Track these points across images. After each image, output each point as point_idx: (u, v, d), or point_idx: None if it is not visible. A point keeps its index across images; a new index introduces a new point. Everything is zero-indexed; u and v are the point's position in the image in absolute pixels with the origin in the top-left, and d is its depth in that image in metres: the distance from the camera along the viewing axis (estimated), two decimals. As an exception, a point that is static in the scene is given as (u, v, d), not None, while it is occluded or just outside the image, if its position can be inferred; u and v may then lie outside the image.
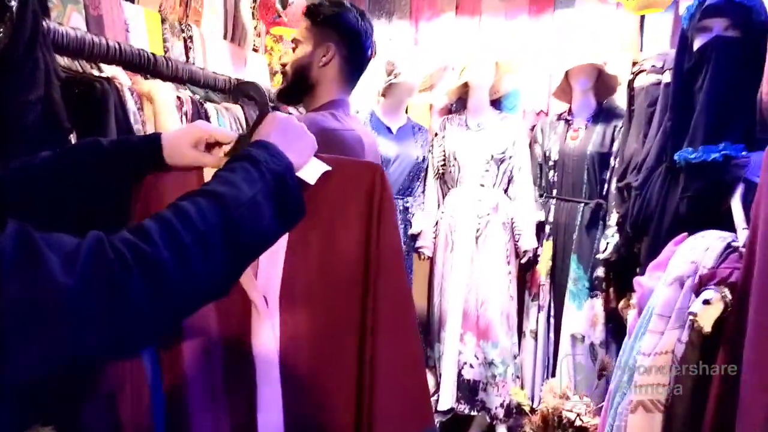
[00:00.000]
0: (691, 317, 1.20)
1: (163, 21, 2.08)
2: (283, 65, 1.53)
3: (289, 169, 0.79)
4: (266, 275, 0.91)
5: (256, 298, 0.90)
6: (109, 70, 1.53)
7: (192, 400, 0.92)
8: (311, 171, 0.87)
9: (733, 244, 1.29)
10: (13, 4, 1.09)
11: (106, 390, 0.88)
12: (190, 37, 2.23)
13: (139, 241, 0.61)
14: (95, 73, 1.46)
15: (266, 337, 0.89)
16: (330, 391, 0.91)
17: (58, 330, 0.55)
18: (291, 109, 2.18)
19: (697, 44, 1.69)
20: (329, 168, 0.89)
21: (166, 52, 2.09)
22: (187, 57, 2.21)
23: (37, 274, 0.54)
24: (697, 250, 1.34)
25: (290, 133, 0.86)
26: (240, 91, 1.12)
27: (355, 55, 1.48)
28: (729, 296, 1.17)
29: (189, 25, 2.24)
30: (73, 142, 1.30)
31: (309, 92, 1.48)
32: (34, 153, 1.20)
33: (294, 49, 1.48)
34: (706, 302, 1.17)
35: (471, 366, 2.77)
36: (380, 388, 0.88)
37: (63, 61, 1.38)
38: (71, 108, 1.29)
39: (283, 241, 0.90)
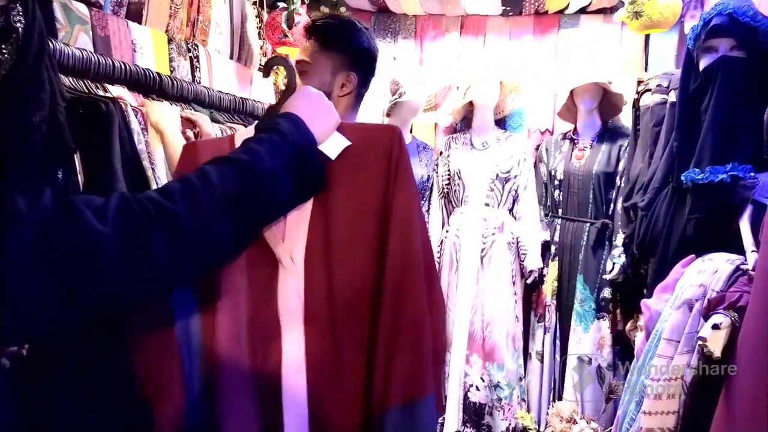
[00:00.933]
0: (700, 342, 1.18)
1: (169, 41, 2.10)
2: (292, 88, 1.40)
3: (311, 144, 0.85)
4: (293, 235, 0.97)
5: (283, 256, 0.96)
6: (115, 91, 1.54)
7: (221, 356, 0.98)
8: (333, 145, 0.94)
9: (742, 266, 1.27)
10: (19, 26, 1.10)
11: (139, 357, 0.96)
12: (197, 57, 2.25)
13: (163, 199, 0.70)
14: (101, 93, 1.47)
15: (292, 294, 0.95)
16: (347, 348, 0.95)
17: (95, 268, 0.63)
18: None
19: (702, 64, 1.68)
20: (350, 143, 0.95)
21: (172, 71, 2.10)
22: (193, 76, 2.23)
23: (77, 224, 0.63)
24: (706, 272, 1.32)
25: (317, 108, 0.91)
26: (270, 65, 1.15)
27: (368, 78, 1.38)
28: (738, 320, 1.14)
29: (195, 44, 2.26)
30: (77, 162, 1.30)
31: None
32: (38, 173, 1.20)
33: (302, 73, 1.30)
34: (716, 327, 1.15)
35: (477, 388, 2.73)
36: (379, 350, 0.93)
37: (68, 81, 1.38)
38: (76, 128, 1.29)
39: (308, 203, 0.95)
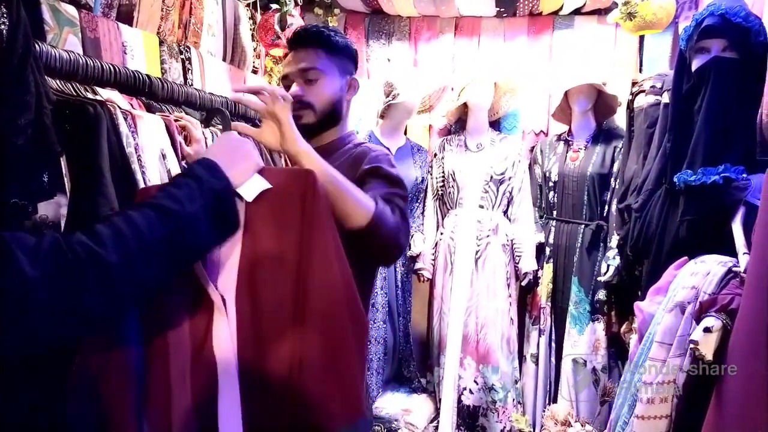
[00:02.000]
0: (692, 345, 1.17)
1: (161, 43, 2.09)
2: (299, 98, 1.32)
3: (226, 187, 0.91)
4: (225, 278, 1.01)
5: (216, 299, 0.99)
6: (105, 93, 1.52)
7: (162, 389, 1.01)
8: (251, 188, 0.97)
9: (734, 269, 1.26)
10: (3, 28, 1.09)
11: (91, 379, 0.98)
12: (189, 59, 2.24)
13: (93, 244, 0.73)
14: (89, 95, 1.46)
15: (224, 334, 0.99)
16: (278, 384, 0.98)
17: (23, 309, 0.67)
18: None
19: (695, 65, 1.68)
20: (269, 186, 0.99)
21: (164, 73, 2.09)
22: (185, 79, 2.21)
23: (7, 265, 0.66)
24: (698, 275, 1.31)
25: (235, 154, 0.96)
26: (210, 117, 1.23)
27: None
28: (730, 323, 1.13)
29: (188, 46, 2.25)
30: (63, 165, 1.29)
31: (332, 127, 1.39)
32: (24, 176, 1.18)
33: (310, 81, 1.33)
34: (707, 330, 1.14)
35: (471, 392, 2.72)
36: (307, 382, 0.96)
37: (56, 84, 1.37)
38: (63, 131, 1.28)
39: (237, 246, 1.00)
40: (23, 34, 1.16)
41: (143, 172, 1.49)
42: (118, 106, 1.46)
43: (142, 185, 1.45)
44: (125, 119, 1.46)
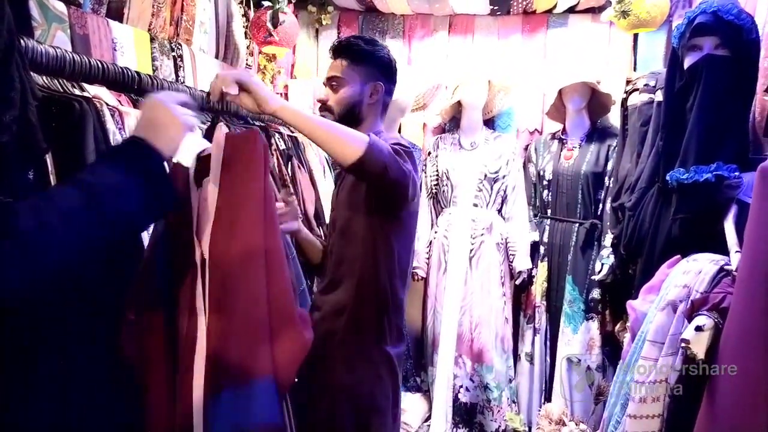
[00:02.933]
0: (683, 344, 1.16)
1: (152, 40, 2.07)
2: (323, 102, 1.55)
3: (154, 159, 0.92)
4: (203, 235, 1.12)
5: (197, 255, 1.11)
6: (93, 90, 1.51)
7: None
8: (187, 152, 1.01)
9: (726, 267, 1.25)
10: (-14, 23, 1.07)
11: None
12: (180, 56, 2.23)
13: (5, 214, 0.76)
14: (77, 92, 1.44)
15: (200, 287, 1.11)
16: (232, 333, 1.09)
17: None
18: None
19: (687, 63, 1.67)
20: (208, 145, 1.07)
21: (155, 70, 2.08)
22: (177, 76, 2.20)
23: None
24: (690, 273, 1.31)
25: (158, 123, 0.97)
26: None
27: (392, 87, 1.60)
28: (721, 322, 1.13)
29: (179, 44, 2.24)
30: (49, 162, 1.27)
31: (357, 124, 1.52)
32: (9, 173, 1.16)
33: (334, 88, 1.53)
34: (699, 329, 1.13)
35: (467, 389, 2.72)
36: (221, 335, 1.07)
37: (43, 80, 1.35)
38: (49, 127, 1.26)
39: (213, 204, 1.10)
40: (7, 30, 1.15)
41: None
42: (106, 103, 1.44)
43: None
44: (112, 116, 1.44)
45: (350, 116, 1.52)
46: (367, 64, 1.52)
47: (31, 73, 1.26)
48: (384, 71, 1.55)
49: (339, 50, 1.54)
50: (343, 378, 1.46)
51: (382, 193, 1.39)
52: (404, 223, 1.51)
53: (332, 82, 1.54)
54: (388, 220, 1.46)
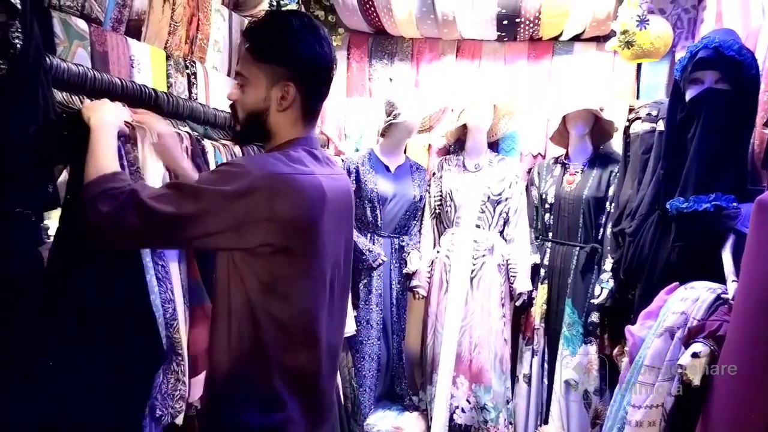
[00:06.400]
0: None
1: (167, 58, 2.13)
2: (232, 100, 1.23)
3: None
4: None
5: None
6: (110, 106, 1.55)
7: None
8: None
9: (723, 296, 1.28)
10: (17, 42, 1.12)
11: None
12: (194, 74, 2.28)
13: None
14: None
15: None
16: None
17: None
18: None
19: (689, 95, 1.72)
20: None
21: (169, 87, 2.13)
22: (190, 93, 2.25)
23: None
24: (688, 301, 1.34)
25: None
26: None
27: (318, 87, 1.21)
28: (717, 349, 1.15)
29: (193, 61, 2.29)
30: (65, 176, 1.32)
31: (267, 135, 1.22)
32: (30, 186, 1.21)
33: (240, 86, 1.20)
34: (695, 355, 1.16)
35: (463, 410, 2.72)
36: None
37: (62, 96, 1.40)
38: (67, 143, 1.30)
39: None
40: (34, 48, 1.20)
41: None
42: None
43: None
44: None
45: (255, 127, 1.21)
46: (273, 61, 1.15)
47: (53, 89, 1.32)
48: (301, 68, 1.16)
49: (245, 35, 1.20)
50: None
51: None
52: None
53: (238, 80, 1.20)
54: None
